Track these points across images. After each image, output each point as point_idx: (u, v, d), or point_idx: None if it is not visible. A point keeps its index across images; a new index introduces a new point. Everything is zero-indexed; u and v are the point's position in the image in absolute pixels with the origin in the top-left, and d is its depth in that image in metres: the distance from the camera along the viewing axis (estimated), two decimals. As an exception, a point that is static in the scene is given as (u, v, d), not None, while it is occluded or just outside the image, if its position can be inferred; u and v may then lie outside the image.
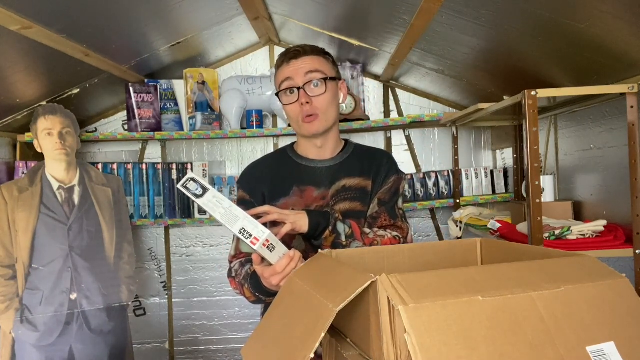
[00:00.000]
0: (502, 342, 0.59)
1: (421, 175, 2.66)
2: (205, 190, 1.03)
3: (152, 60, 2.41)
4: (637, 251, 1.64)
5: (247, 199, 1.41)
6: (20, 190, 2.18)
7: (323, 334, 0.65)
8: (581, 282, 0.68)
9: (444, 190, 2.66)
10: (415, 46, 2.00)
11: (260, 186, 1.41)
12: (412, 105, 2.78)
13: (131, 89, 2.55)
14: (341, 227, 1.25)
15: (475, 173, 2.66)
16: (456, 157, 2.67)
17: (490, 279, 0.67)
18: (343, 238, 1.25)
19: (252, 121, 2.61)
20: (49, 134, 2.23)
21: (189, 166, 2.65)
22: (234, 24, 2.32)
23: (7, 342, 2.12)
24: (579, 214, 2.03)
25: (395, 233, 1.35)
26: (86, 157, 2.74)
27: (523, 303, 0.63)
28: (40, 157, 2.30)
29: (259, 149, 2.82)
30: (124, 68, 2.32)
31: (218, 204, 1.03)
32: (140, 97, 2.57)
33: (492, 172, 2.69)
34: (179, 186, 1.04)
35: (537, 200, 1.60)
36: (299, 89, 1.33)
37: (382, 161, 1.43)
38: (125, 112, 2.65)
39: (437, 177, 2.67)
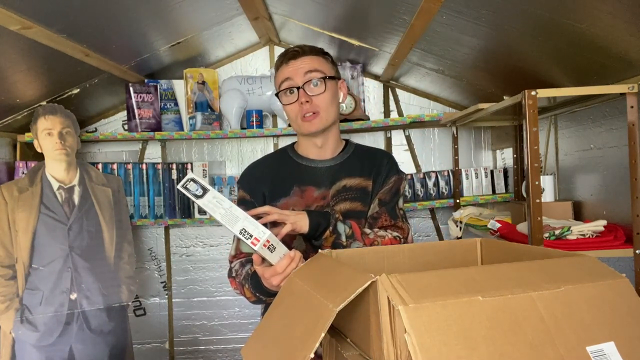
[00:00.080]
0: (502, 342, 0.59)
1: (421, 175, 2.66)
2: (205, 190, 1.03)
3: (152, 60, 2.41)
4: (637, 251, 1.64)
5: (247, 199, 1.41)
6: (20, 190, 2.18)
7: (323, 334, 0.65)
8: (581, 282, 0.68)
9: (444, 190, 2.66)
10: (415, 46, 2.00)
11: (260, 186, 1.41)
12: (412, 105, 2.78)
13: (131, 89, 2.55)
14: (341, 228, 1.25)
15: (475, 173, 2.66)
16: (456, 157, 2.67)
17: (490, 279, 0.67)
18: (343, 238, 1.25)
19: (252, 121, 2.61)
20: (49, 134, 2.23)
21: (189, 166, 2.65)
22: (234, 24, 2.31)
23: (7, 342, 2.12)
24: (579, 214, 2.03)
25: (395, 233, 1.35)
26: (86, 157, 2.74)
27: (523, 303, 0.63)
28: (40, 157, 2.30)
29: (259, 149, 2.82)
30: (124, 68, 2.32)
31: (218, 205, 1.03)
32: (140, 97, 2.57)
33: (492, 172, 2.68)
34: (179, 187, 1.04)
35: (537, 200, 1.60)
36: (298, 88, 1.33)
37: (382, 161, 1.43)
38: (125, 112, 2.65)
39: (437, 177, 2.67)
